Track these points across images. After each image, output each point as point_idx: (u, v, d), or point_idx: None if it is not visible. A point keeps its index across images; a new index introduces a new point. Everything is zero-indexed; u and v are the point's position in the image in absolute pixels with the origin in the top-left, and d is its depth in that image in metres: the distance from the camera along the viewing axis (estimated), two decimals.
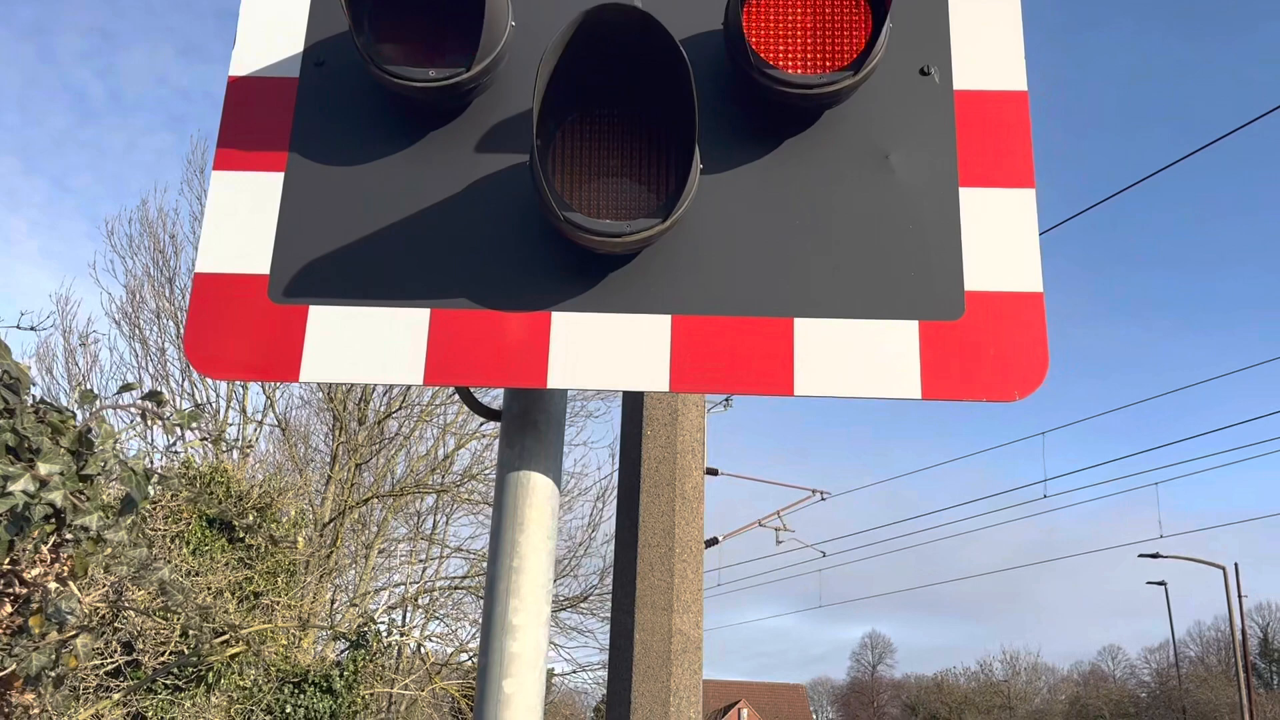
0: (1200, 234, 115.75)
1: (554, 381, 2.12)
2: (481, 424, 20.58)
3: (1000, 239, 2.18)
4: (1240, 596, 36.67)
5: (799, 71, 2.18)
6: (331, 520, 19.93)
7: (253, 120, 2.32)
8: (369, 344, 2.15)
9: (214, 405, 19.31)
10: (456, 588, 22.30)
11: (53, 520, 3.13)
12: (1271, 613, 77.43)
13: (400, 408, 21.23)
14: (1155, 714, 67.62)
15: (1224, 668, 62.53)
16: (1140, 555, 37.88)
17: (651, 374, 2.12)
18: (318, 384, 20.42)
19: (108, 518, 3.19)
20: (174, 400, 18.68)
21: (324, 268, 2.21)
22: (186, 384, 19.26)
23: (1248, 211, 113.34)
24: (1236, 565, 36.58)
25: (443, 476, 21.75)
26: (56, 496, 3.11)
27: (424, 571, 23.10)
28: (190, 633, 9.82)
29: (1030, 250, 2.17)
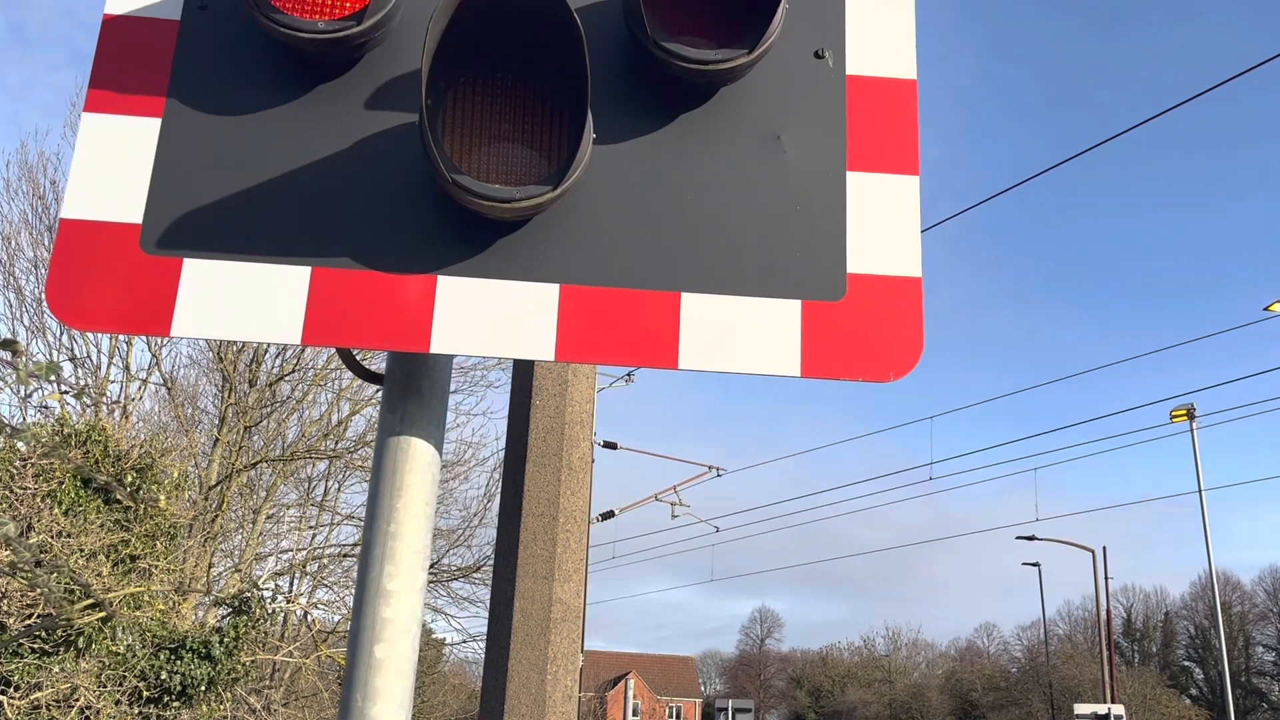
0: (1092, 228, 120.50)
1: (437, 346, 2.09)
2: (378, 391, 20.20)
3: (883, 223, 2.23)
4: (1107, 579, 38.65)
5: (696, 48, 2.18)
6: (218, 483, 19.36)
7: (129, 62, 2.21)
8: (246, 300, 2.08)
9: (94, 361, 18.51)
10: (346, 555, 21.94)
11: None
12: (1135, 595, 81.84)
13: (293, 371, 20.69)
14: (1024, 688, 70.81)
15: (1089, 645, 65.78)
16: (1018, 537, 39.62)
17: (537, 343, 2.11)
18: (206, 344, 19.67)
19: None
20: (52, 356, 17.81)
21: (201, 220, 2.13)
22: (65, 338, 18.41)
23: (1136, 208, 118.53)
24: (1105, 549, 38.56)
25: (335, 442, 21.31)
26: None
27: (313, 538, 22.66)
28: (39, 591, 9.38)
29: (911, 236, 2.22)
